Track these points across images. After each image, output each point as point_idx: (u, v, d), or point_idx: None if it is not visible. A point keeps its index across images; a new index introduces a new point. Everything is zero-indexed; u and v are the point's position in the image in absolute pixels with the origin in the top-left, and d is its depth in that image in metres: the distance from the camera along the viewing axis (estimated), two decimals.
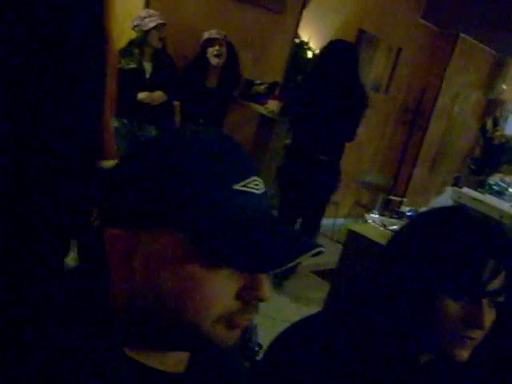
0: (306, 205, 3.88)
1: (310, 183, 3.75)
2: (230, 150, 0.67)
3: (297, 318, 1.09)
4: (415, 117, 6.27)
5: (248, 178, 0.66)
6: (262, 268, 0.64)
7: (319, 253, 0.64)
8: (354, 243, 2.76)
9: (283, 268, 0.61)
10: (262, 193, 0.67)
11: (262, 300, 0.66)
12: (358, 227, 2.86)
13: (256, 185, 0.66)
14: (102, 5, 1.64)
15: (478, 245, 0.94)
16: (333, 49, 3.67)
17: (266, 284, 0.66)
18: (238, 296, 0.65)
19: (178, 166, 0.64)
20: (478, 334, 0.95)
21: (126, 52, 3.65)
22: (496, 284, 0.93)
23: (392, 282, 0.98)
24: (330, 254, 3.98)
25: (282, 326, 1.08)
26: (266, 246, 0.63)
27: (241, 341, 1.33)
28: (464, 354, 0.95)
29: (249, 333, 1.39)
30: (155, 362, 0.70)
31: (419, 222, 1.07)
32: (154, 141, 0.69)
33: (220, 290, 0.64)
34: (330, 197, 3.99)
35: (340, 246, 3.30)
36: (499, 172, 3.85)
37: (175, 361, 0.73)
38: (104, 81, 1.74)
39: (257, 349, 1.36)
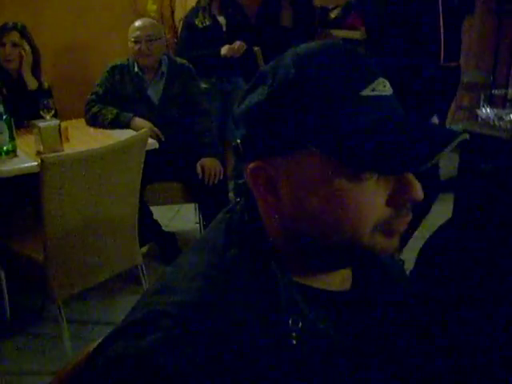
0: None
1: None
2: (351, 57, 0.66)
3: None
4: (503, 2, 5.82)
5: (375, 80, 0.64)
6: (406, 167, 0.62)
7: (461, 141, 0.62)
8: (472, 144, 2.66)
9: (429, 164, 0.59)
10: (391, 93, 0.66)
11: (415, 200, 0.65)
12: (472, 126, 2.75)
13: (384, 86, 0.65)
14: None
15: None
16: None
17: (415, 184, 0.65)
18: (390, 202, 0.65)
19: (305, 86, 0.63)
20: None
21: (196, 9, 3.66)
22: None
23: None
24: (443, 165, 3.87)
25: None
26: (406, 145, 0.62)
27: None
28: None
29: None
30: (320, 284, 0.71)
31: None
32: (275, 65, 0.67)
33: (370, 198, 0.64)
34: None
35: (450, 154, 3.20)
36: None
37: (339, 280, 0.74)
38: None
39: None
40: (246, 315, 0.64)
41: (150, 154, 2.50)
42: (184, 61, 3.12)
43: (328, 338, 0.68)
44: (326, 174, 0.63)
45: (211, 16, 3.63)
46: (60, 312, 2.30)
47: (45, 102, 2.73)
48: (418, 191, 0.65)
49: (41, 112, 2.70)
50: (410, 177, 0.65)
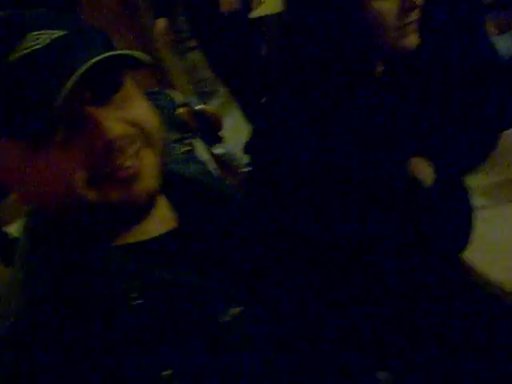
0: None
1: None
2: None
3: None
4: None
5: (23, 37, 0.58)
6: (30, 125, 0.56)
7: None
8: None
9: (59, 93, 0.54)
10: (49, 42, 0.58)
11: (108, 141, 0.59)
12: None
13: (37, 39, 0.58)
14: None
15: None
16: None
17: (97, 125, 0.59)
18: (88, 154, 0.60)
19: None
20: (416, 14, 0.93)
21: None
22: None
23: None
24: None
25: None
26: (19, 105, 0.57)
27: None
28: (413, 40, 0.94)
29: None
30: (140, 235, 0.69)
31: None
32: None
33: (61, 157, 0.60)
34: None
35: None
36: None
37: (159, 223, 0.71)
38: None
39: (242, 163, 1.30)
40: (80, 307, 0.61)
41: None
42: None
43: (169, 282, 0.66)
44: (14, 155, 0.61)
45: None
46: None
47: None
48: (100, 132, 0.59)
49: None
50: (91, 119, 0.60)
